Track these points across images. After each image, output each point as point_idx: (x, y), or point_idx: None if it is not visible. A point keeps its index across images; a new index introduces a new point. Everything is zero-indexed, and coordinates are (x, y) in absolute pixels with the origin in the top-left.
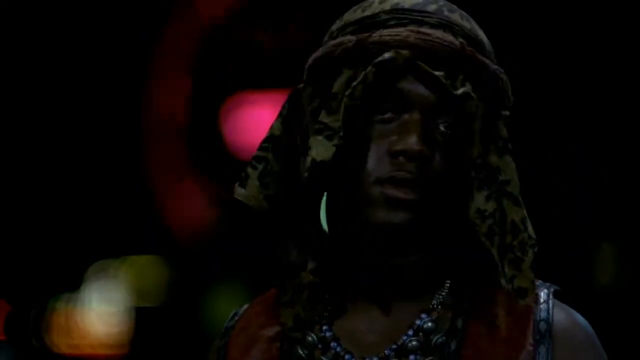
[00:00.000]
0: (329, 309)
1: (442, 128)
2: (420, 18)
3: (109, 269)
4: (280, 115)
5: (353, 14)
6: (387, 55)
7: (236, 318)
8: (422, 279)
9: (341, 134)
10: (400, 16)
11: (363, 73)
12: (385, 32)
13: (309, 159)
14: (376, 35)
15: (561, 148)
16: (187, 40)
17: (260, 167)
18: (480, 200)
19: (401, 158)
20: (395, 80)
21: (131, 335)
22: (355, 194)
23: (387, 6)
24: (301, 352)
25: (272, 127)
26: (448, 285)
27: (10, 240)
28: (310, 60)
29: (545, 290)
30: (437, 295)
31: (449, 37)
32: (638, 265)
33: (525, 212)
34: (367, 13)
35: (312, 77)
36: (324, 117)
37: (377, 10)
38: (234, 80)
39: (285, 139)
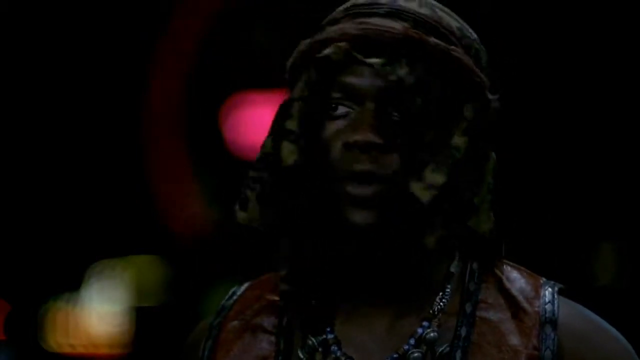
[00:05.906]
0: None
1: (397, 116)
2: (369, 11)
3: (109, 269)
4: (270, 132)
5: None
6: (326, 50)
7: (234, 298)
8: (419, 283)
9: (293, 136)
10: (352, 12)
11: (306, 73)
12: (332, 28)
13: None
14: (324, 34)
15: (561, 148)
16: (187, 40)
17: (257, 187)
18: (427, 174)
19: (355, 150)
20: (344, 74)
21: (131, 335)
22: (327, 196)
23: (347, 5)
24: (301, 355)
25: (263, 146)
26: (449, 289)
27: (10, 241)
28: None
29: (550, 289)
30: (437, 301)
31: (391, 23)
32: (638, 265)
33: (489, 194)
34: (330, 16)
35: (289, 87)
36: (287, 124)
37: (337, 12)
38: (234, 80)
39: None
